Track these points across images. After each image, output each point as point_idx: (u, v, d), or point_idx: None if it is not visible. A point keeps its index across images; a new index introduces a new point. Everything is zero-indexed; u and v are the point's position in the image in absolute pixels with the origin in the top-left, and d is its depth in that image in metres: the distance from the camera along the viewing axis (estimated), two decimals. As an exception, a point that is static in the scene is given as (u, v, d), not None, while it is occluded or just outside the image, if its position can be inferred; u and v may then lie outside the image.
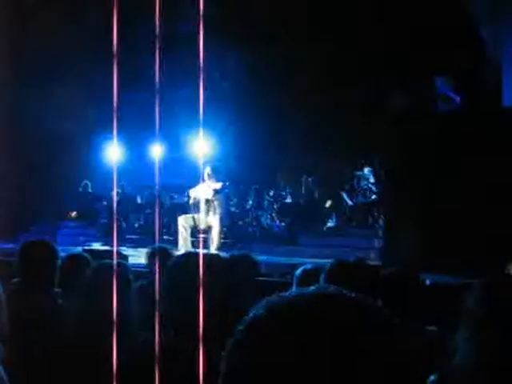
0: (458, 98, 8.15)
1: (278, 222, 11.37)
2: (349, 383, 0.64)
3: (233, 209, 11.36)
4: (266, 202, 11.85)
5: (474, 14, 8.89)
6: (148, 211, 11.85)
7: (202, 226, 8.83)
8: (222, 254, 5.25)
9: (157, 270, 2.85)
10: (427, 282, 3.15)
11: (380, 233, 9.04)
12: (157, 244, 4.58)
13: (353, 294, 0.71)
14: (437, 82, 8.41)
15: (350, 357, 0.64)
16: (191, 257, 1.99)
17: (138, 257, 6.60)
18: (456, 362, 1.22)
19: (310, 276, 2.70)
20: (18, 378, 2.29)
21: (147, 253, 4.10)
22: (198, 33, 1.92)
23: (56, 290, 3.04)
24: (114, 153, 10.93)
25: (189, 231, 8.99)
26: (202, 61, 1.99)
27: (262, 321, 0.69)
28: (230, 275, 1.92)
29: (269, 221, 11.54)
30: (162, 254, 3.74)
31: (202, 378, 1.25)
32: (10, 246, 7.80)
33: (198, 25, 1.94)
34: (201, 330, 1.55)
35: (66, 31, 11.04)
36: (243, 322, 0.71)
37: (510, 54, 8.50)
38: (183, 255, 2.10)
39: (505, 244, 6.19)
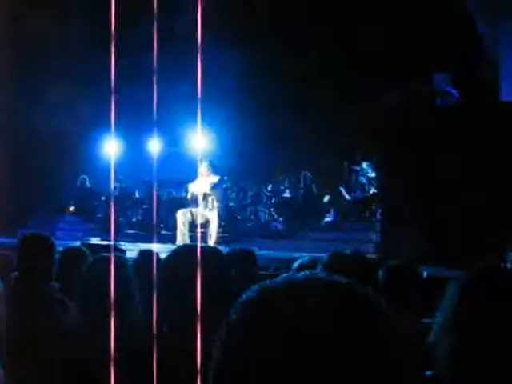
0: (456, 93, 8.15)
1: (276, 216, 11.38)
2: (332, 362, 0.66)
3: (231, 204, 11.37)
4: (264, 197, 11.86)
5: (472, 10, 8.89)
6: (146, 206, 11.85)
7: (199, 221, 8.81)
8: (221, 248, 5.26)
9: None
10: (424, 274, 3.17)
11: (378, 226, 9.05)
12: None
13: (342, 280, 0.73)
14: (436, 78, 8.41)
15: (333, 337, 0.67)
16: (189, 249, 1.98)
17: (136, 251, 6.58)
18: (437, 355, 1.23)
19: (307, 269, 2.70)
20: (16, 371, 2.30)
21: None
22: (197, 28, 1.92)
23: (54, 283, 3.04)
24: (111, 148, 10.94)
25: (187, 226, 8.97)
26: (200, 55, 1.99)
27: (252, 302, 0.72)
28: (229, 269, 1.92)
29: (267, 216, 11.55)
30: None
31: (200, 376, 1.26)
32: (8, 240, 7.79)
33: (197, 20, 1.94)
34: (198, 322, 1.55)
35: (62, 25, 11.01)
36: (235, 306, 0.74)
37: (507, 49, 8.50)
38: (181, 248, 2.10)
39: (503, 236, 6.19)
